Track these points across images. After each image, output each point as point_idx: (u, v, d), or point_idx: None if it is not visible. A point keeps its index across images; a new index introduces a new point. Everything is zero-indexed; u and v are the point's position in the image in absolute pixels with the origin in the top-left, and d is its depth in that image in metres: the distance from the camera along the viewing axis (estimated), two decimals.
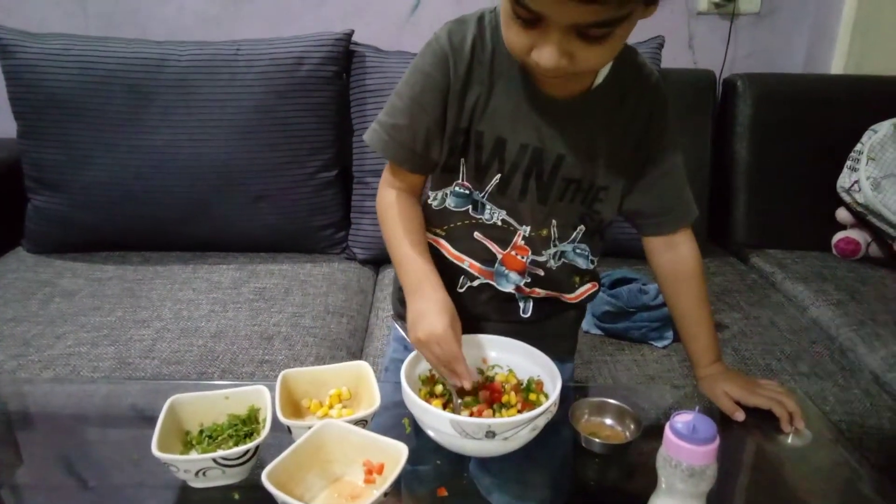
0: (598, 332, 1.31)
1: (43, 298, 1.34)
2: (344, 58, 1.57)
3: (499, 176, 0.82)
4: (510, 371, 0.83)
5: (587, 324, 1.32)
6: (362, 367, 0.81)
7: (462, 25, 0.79)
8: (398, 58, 1.59)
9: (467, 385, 0.75)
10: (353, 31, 1.58)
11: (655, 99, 0.83)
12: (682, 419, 0.64)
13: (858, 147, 1.63)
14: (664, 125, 0.83)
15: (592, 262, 0.92)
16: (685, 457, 0.62)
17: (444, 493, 0.70)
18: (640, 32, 1.59)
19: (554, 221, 0.85)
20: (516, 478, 0.75)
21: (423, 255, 0.82)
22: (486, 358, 0.84)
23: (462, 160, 0.83)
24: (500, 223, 0.85)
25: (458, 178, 0.84)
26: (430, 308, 0.76)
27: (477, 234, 0.87)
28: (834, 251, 1.71)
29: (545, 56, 0.66)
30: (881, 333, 1.31)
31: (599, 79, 0.79)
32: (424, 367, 0.80)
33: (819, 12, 1.85)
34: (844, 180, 1.64)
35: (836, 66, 1.82)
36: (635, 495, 0.70)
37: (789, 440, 0.81)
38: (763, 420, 0.83)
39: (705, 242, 1.81)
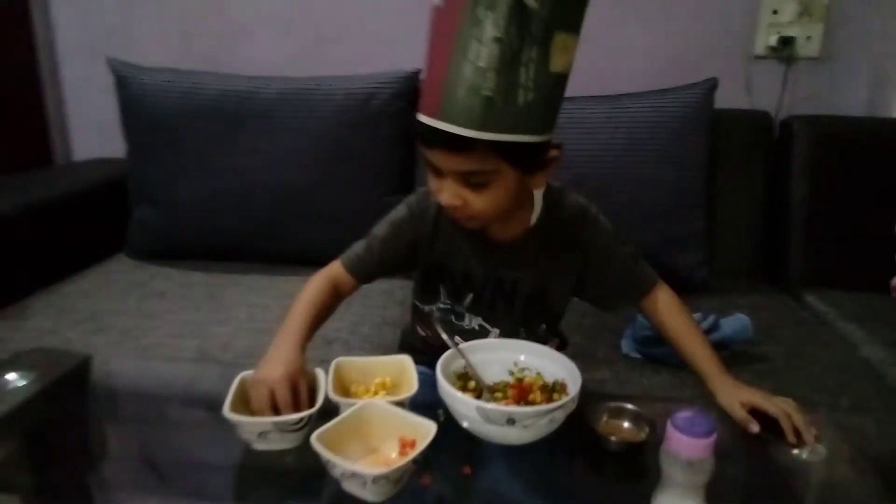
0: (638, 356, 1.36)
1: (139, 297, 1.53)
2: (411, 94, 1.71)
3: (471, 295, 1.02)
4: (538, 374, 0.91)
5: (627, 347, 1.38)
6: (405, 360, 0.92)
7: (429, 196, 0.97)
8: None
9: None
10: (420, 70, 1.72)
11: (583, 225, 1.00)
12: (683, 415, 0.70)
13: None
14: (597, 238, 1.00)
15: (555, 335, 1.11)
16: (684, 450, 0.69)
17: (468, 471, 0.79)
18: (693, 74, 1.69)
19: (522, 329, 1.03)
20: (533, 467, 0.82)
21: (305, 321, 0.94)
22: (517, 361, 0.93)
23: (440, 285, 1.03)
24: (476, 328, 1.03)
25: (440, 298, 1.03)
26: (278, 357, 0.87)
27: (457, 339, 1.00)
28: (893, 294, 1.68)
29: (442, 197, 0.86)
30: None
31: (533, 220, 0.97)
32: (459, 364, 0.90)
33: (881, 57, 1.84)
34: None
35: None
36: (644, 490, 0.75)
37: (804, 456, 0.85)
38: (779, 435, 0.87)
39: (758, 281, 1.82)
